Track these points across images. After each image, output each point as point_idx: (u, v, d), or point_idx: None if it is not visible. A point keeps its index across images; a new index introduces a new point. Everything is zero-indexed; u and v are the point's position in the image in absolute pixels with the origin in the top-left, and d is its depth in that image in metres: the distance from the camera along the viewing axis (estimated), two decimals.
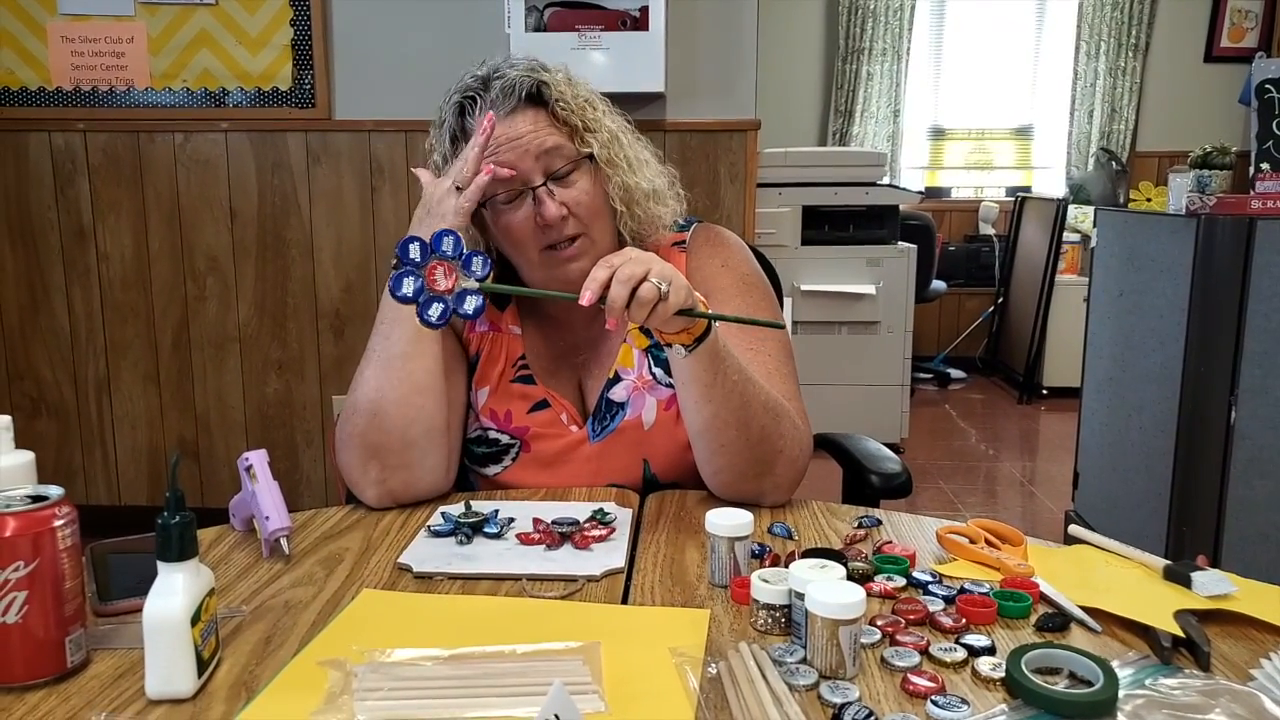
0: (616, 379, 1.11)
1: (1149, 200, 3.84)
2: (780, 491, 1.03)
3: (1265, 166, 2.09)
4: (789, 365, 1.11)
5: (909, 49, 5.00)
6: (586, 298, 0.84)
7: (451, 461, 1.07)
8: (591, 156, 1.05)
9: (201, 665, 0.64)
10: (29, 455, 0.83)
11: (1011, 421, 4.20)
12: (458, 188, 1.02)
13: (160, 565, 0.63)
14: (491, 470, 1.10)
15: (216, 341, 2.71)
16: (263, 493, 0.87)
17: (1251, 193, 2.04)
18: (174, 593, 0.62)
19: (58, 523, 0.64)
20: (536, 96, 1.05)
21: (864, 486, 1.24)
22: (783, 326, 1.09)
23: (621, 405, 1.10)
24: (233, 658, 0.69)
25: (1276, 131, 2.10)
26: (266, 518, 0.86)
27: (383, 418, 1.00)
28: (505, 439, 1.10)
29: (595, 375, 1.13)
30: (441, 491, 1.06)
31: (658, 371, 1.11)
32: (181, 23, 2.59)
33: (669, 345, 0.92)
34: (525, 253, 1.05)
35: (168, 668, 0.62)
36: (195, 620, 0.63)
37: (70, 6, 2.59)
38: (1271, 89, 2.13)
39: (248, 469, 0.89)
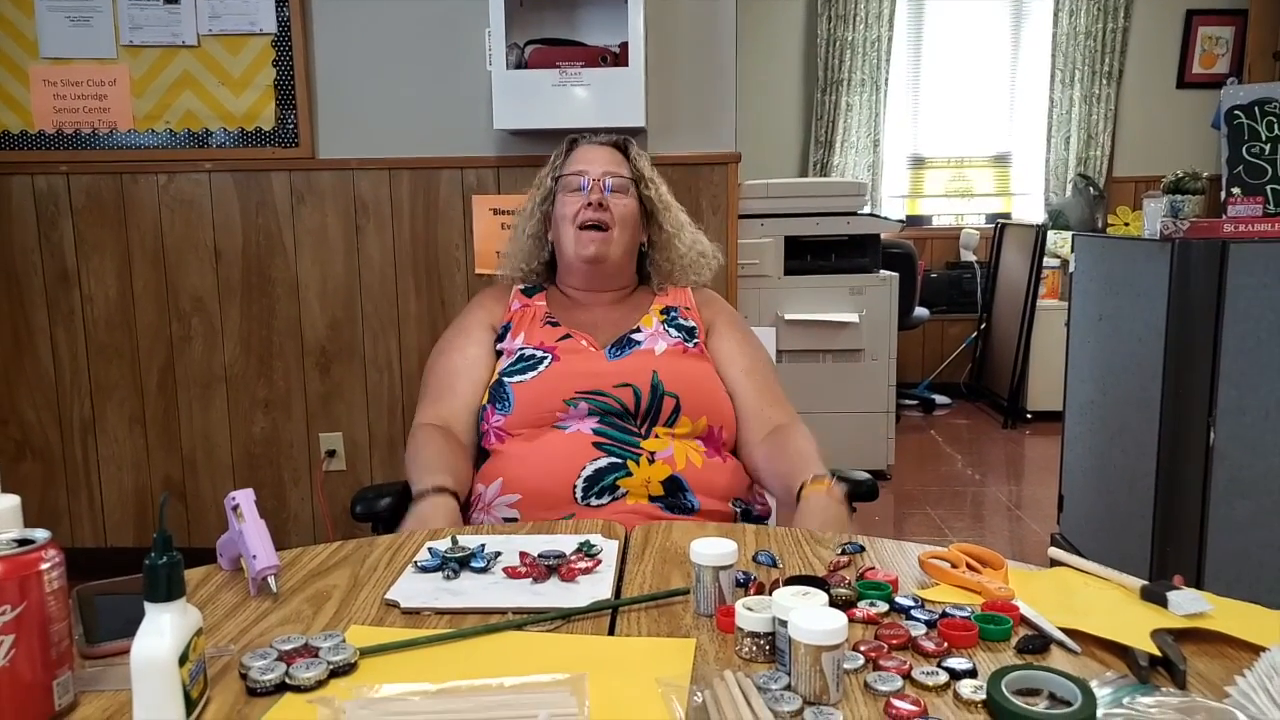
0: (637, 329, 1.40)
1: (1126, 225, 3.90)
2: None
3: (1236, 190, 2.14)
4: (776, 374, 1.45)
5: (887, 80, 5.09)
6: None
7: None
8: (642, 197, 1.45)
9: (190, 705, 0.64)
10: (14, 499, 0.83)
11: (997, 446, 4.22)
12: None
13: (148, 606, 0.63)
14: (529, 375, 1.33)
15: (202, 381, 2.71)
16: (250, 531, 0.87)
17: (1224, 216, 2.08)
18: (161, 633, 0.62)
19: (44, 566, 0.65)
20: (623, 148, 1.49)
21: None
22: None
23: (638, 341, 1.38)
24: (221, 697, 0.69)
25: (1246, 156, 2.15)
26: (254, 556, 0.86)
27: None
28: (539, 354, 1.36)
29: (615, 334, 1.40)
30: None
31: (670, 329, 1.40)
32: (164, 65, 2.61)
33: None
34: (565, 225, 1.42)
35: (155, 708, 0.62)
36: (183, 660, 0.63)
37: (52, 50, 2.61)
38: (1240, 115, 2.18)
39: (234, 508, 0.89)
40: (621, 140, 1.50)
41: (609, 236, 1.41)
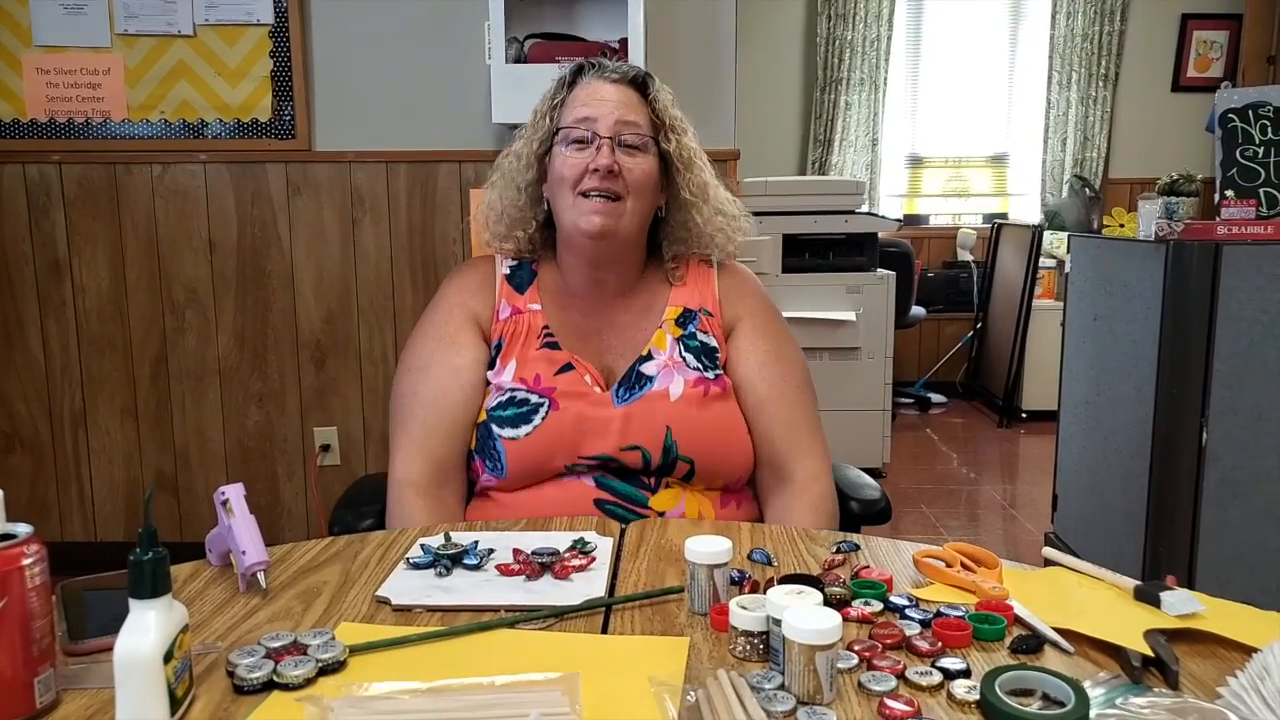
0: (649, 357, 1.19)
1: (1122, 226, 3.90)
2: None
3: (1230, 193, 2.14)
4: (810, 394, 1.25)
5: (886, 79, 5.09)
6: None
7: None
8: (664, 153, 1.18)
9: (174, 704, 0.63)
10: None
11: (992, 445, 4.22)
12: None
13: (132, 603, 0.62)
14: (523, 430, 1.14)
15: (196, 374, 2.70)
16: (239, 527, 0.86)
17: (1217, 219, 2.08)
18: (146, 630, 0.61)
19: (26, 561, 0.64)
20: (641, 85, 1.20)
21: (844, 513, 1.25)
22: None
23: (650, 378, 1.17)
24: (207, 695, 0.68)
25: (1240, 159, 2.15)
26: (243, 552, 0.85)
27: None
28: (534, 398, 1.15)
29: (625, 356, 1.20)
30: None
31: (687, 356, 1.19)
32: (159, 54, 2.60)
33: None
34: (564, 190, 1.16)
35: (139, 707, 0.61)
36: (168, 658, 0.62)
37: (46, 38, 2.59)
38: (1234, 118, 2.18)
39: (224, 503, 0.88)
40: (639, 75, 1.20)
41: (619, 208, 1.14)
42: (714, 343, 1.21)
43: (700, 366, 1.18)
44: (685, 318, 1.21)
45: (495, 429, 1.15)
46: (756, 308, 1.26)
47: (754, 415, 1.19)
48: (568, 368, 1.17)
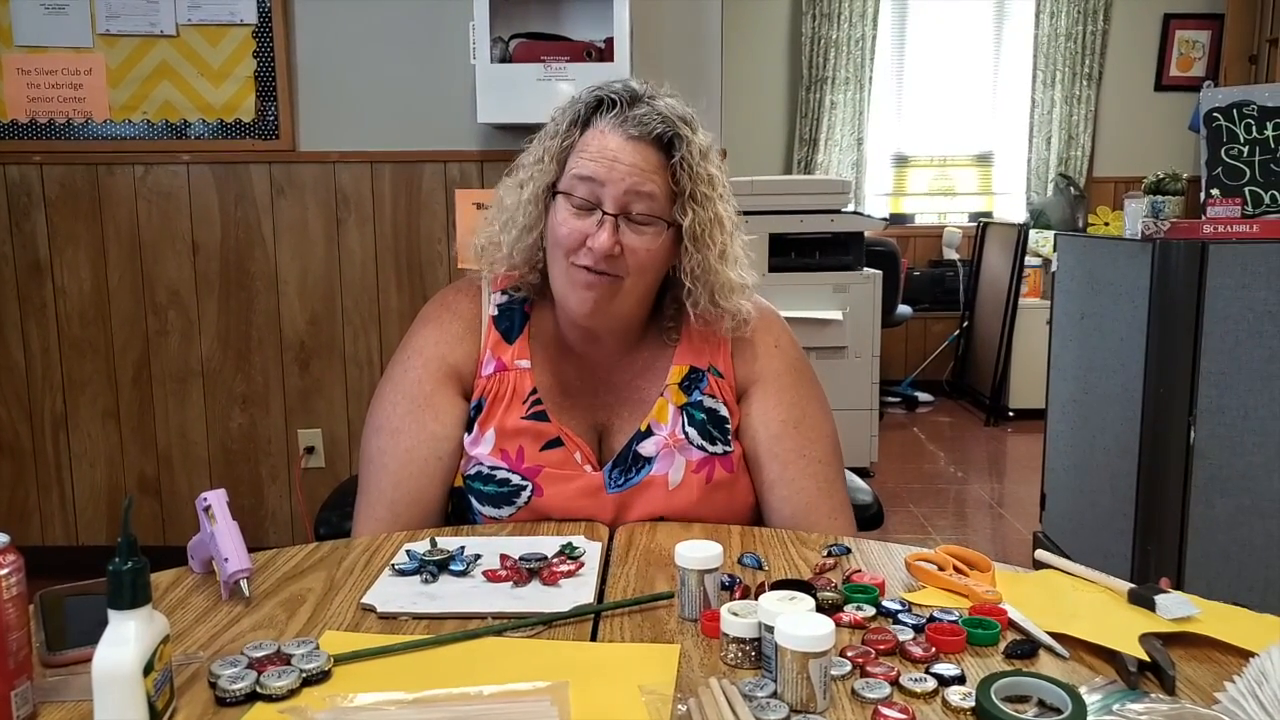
0: (648, 433, 1.08)
1: (1106, 224, 3.92)
2: None
3: (1215, 192, 2.15)
4: (834, 467, 1.13)
5: (871, 78, 5.10)
6: None
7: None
8: (679, 227, 1.02)
9: (155, 716, 0.62)
10: None
11: (979, 444, 4.24)
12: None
13: (111, 613, 0.61)
14: (505, 512, 1.07)
15: (179, 376, 2.67)
16: (221, 534, 0.85)
17: (1203, 217, 2.09)
18: (125, 642, 0.60)
19: (2, 572, 0.62)
20: (666, 144, 1.02)
21: None
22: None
23: (649, 460, 1.07)
24: (189, 707, 0.67)
25: (1225, 158, 2.16)
26: (225, 559, 0.84)
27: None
28: (516, 479, 1.06)
29: (623, 418, 1.10)
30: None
31: (691, 431, 1.08)
32: (141, 54, 2.57)
33: None
34: (558, 253, 1.02)
35: None
36: (148, 670, 0.61)
37: (27, 38, 2.56)
38: (1219, 117, 2.19)
39: (206, 509, 0.86)
40: (666, 133, 1.00)
41: (616, 286, 1.02)
42: (724, 410, 1.09)
43: (706, 442, 1.07)
44: (691, 379, 1.09)
45: (476, 504, 1.08)
46: (777, 367, 1.12)
47: (764, 495, 1.10)
48: (556, 443, 1.07)
